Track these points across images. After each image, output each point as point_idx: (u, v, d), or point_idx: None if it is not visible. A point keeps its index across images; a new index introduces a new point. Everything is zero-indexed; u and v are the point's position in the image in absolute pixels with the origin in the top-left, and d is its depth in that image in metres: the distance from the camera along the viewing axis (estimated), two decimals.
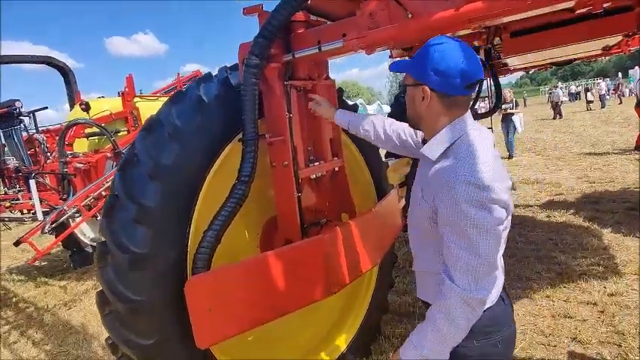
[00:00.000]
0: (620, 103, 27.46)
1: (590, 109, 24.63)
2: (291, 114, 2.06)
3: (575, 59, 4.35)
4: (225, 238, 1.87)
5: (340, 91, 2.59)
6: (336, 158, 2.40)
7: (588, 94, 26.78)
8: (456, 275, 1.17)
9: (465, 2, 1.49)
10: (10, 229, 6.44)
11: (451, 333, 1.21)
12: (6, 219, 5.38)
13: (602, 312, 3.16)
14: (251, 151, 1.92)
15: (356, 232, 2.26)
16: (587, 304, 3.32)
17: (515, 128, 11.39)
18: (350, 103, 2.84)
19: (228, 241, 2.12)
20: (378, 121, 1.93)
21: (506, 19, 1.74)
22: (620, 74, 39.85)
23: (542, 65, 4.81)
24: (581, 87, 39.87)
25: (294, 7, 1.74)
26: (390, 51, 3.41)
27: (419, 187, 1.39)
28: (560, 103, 22.55)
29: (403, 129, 1.85)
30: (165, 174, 1.73)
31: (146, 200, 1.68)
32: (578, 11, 1.72)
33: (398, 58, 3.48)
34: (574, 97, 37.55)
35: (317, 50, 1.84)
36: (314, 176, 2.28)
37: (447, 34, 1.71)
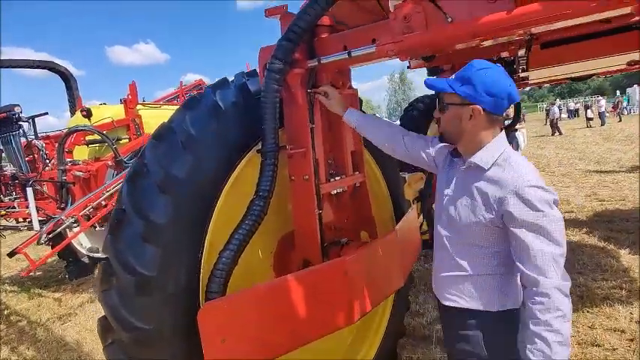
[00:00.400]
0: (620, 120, 27.54)
1: (591, 127, 24.67)
2: (313, 124, 1.90)
3: (594, 74, 4.25)
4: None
5: (361, 101, 2.44)
6: (357, 172, 2.24)
7: (588, 111, 26.85)
8: (547, 270, 1.29)
9: (518, 4, 1.35)
10: (4, 237, 6.22)
11: (565, 326, 1.28)
12: (1, 227, 5.17)
13: (632, 340, 2.98)
14: (271, 163, 1.76)
15: (379, 253, 2.10)
16: (615, 331, 3.13)
17: (517, 144, 11.29)
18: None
19: (242, 259, 1.96)
20: (388, 127, 1.93)
21: (553, 26, 1.60)
22: (618, 92, 40.20)
23: (559, 80, 4.70)
24: (579, 104, 40.15)
25: (324, 8, 1.60)
26: (409, 61, 3.28)
27: (464, 196, 1.49)
28: (556, 121, 22.60)
29: (414, 138, 1.85)
30: (177, 187, 1.57)
31: (156, 215, 1.51)
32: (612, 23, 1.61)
33: (416, 68, 3.35)
34: (572, 114, 37.74)
35: (346, 56, 1.69)
36: (335, 192, 2.12)
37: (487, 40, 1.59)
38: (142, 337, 1.48)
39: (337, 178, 2.11)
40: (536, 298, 1.30)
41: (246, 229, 1.63)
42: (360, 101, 2.51)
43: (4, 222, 5.50)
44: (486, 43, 1.67)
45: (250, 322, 1.60)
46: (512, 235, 1.35)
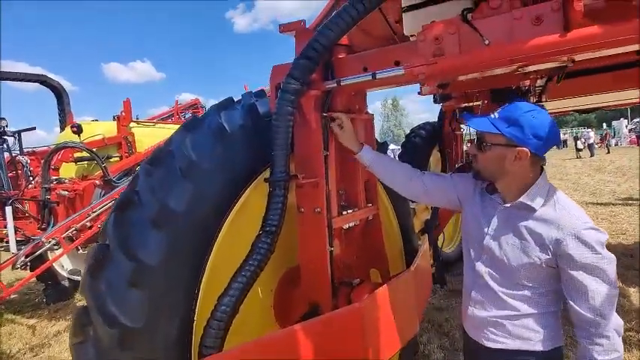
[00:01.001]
0: (608, 152, 28.01)
1: (580, 157, 25.03)
2: (327, 152, 1.71)
3: (604, 107, 4.19)
4: None
5: (386, 145, 2.29)
6: (370, 205, 2.04)
7: (578, 142, 27.32)
8: (606, 312, 1.32)
9: (573, 27, 1.20)
10: None
11: None
12: None
13: None
14: (280, 194, 1.56)
15: (395, 296, 1.87)
16: None
17: None
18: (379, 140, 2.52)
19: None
20: (404, 168, 1.85)
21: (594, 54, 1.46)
22: (604, 125, 41.16)
23: (566, 111, 4.64)
24: (567, 135, 40.96)
25: (349, 24, 1.44)
26: (420, 86, 3.16)
27: (511, 235, 1.46)
28: None
29: (433, 178, 1.79)
30: (173, 221, 1.35)
31: (146, 255, 1.29)
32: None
33: (427, 95, 3.23)
34: (561, 144, 38.49)
35: (370, 78, 1.52)
36: (347, 226, 1.91)
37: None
38: None
39: (349, 211, 1.91)
40: (594, 339, 1.33)
41: (250, 270, 1.41)
42: (387, 144, 2.37)
43: None
44: (522, 70, 1.52)
45: None
46: (567, 276, 1.36)
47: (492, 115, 1.45)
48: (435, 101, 3.99)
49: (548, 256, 1.37)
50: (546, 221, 1.38)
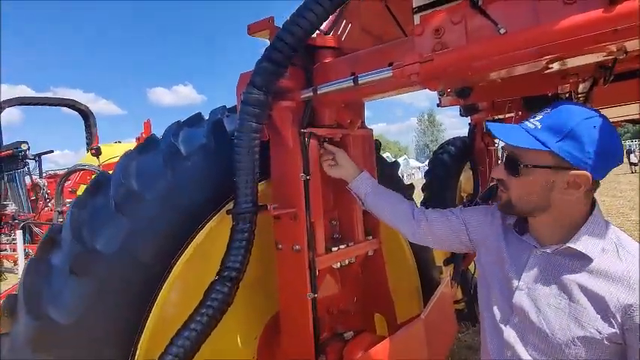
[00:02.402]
0: None
1: (635, 172, 23.07)
2: (308, 175, 1.40)
3: None
4: (207, 341, 1.18)
5: (378, 144, 1.93)
6: (370, 238, 1.69)
7: (631, 155, 25.30)
8: None
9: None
10: (5, 278, 5.93)
11: None
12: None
13: None
14: (244, 229, 1.26)
15: (399, 352, 1.50)
16: None
17: None
18: (389, 160, 2.17)
19: (210, 347, 1.43)
20: (404, 207, 1.44)
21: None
22: None
23: (615, 123, 4.06)
24: None
25: (320, 17, 1.14)
26: (439, 98, 2.79)
27: (555, 295, 1.03)
28: None
29: (439, 216, 1.37)
30: (99, 267, 1.07)
31: (58, 313, 1.01)
32: None
33: (447, 105, 2.85)
34: None
35: (351, 83, 1.21)
36: (338, 265, 1.57)
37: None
38: None
39: (342, 246, 1.57)
40: None
41: (196, 329, 1.10)
42: (379, 143, 2.01)
43: (6, 264, 5.22)
44: (555, 67, 1.15)
45: None
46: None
47: (531, 124, 1.03)
48: (461, 114, 3.59)
49: (613, 329, 0.94)
50: (609, 277, 0.97)
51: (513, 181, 1.07)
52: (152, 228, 1.18)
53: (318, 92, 1.29)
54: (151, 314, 1.16)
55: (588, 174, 0.96)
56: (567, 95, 2.54)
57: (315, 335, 1.43)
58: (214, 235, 1.35)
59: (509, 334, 1.09)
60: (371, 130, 1.72)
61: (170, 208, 1.23)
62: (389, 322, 1.86)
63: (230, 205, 1.34)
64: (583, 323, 0.97)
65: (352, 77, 1.20)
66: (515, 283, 1.09)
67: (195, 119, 1.51)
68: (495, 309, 1.15)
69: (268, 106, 1.26)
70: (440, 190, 4.52)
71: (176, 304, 1.23)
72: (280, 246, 1.45)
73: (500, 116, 3.21)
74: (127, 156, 1.31)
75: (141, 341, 1.14)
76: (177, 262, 1.23)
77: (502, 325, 1.12)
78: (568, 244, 1.01)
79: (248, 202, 1.27)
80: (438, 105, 2.73)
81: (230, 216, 1.31)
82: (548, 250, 1.05)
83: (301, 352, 1.43)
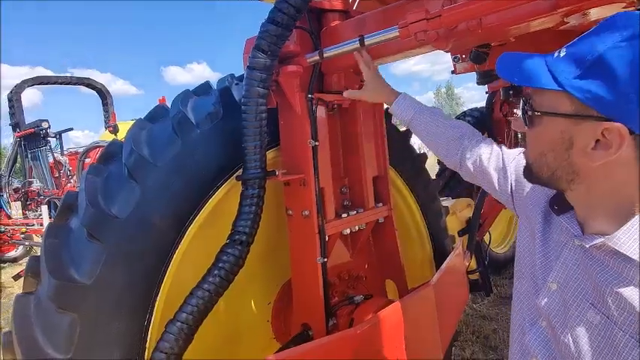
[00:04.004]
0: None
1: None
2: (317, 142, 1.40)
3: None
4: (222, 306, 1.24)
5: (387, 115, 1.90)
6: (381, 205, 1.69)
7: None
8: None
9: None
10: (35, 252, 6.22)
11: None
12: (26, 243, 5.11)
13: None
14: (253, 195, 1.27)
15: (409, 317, 1.52)
16: None
17: None
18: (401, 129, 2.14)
19: (224, 313, 1.49)
20: (454, 129, 1.21)
21: None
22: None
23: None
24: None
25: None
26: (454, 64, 2.71)
27: (591, 305, 0.75)
28: None
29: (475, 149, 1.16)
30: (114, 231, 1.12)
31: (79, 273, 1.07)
32: None
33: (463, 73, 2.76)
34: None
35: (357, 44, 1.18)
36: (348, 231, 1.59)
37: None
38: None
39: (353, 212, 1.58)
40: None
41: (208, 290, 1.14)
42: (388, 114, 1.98)
43: (35, 239, 5.47)
44: (572, 21, 1.10)
45: None
46: None
47: (557, 52, 0.74)
48: (478, 82, 3.48)
49: None
50: None
51: (528, 135, 0.80)
52: (163, 194, 1.21)
53: (325, 55, 1.27)
54: (165, 276, 1.20)
55: (623, 127, 0.64)
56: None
57: (325, 299, 1.46)
58: (225, 200, 1.38)
59: (532, 340, 0.86)
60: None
61: (181, 174, 1.26)
62: (400, 289, 1.88)
63: (240, 172, 1.36)
64: (621, 352, 0.69)
65: (358, 38, 1.18)
66: (543, 279, 0.84)
67: (204, 88, 1.52)
68: (524, 303, 0.91)
69: (274, 70, 1.25)
70: None
71: (190, 266, 1.27)
72: (290, 212, 1.47)
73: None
74: (138, 125, 1.34)
75: (157, 301, 1.19)
76: (190, 227, 1.26)
77: (528, 325, 0.89)
78: (605, 240, 0.71)
79: (256, 168, 1.29)
80: (453, 72, 2.65)
81: (240, 182, 1.33)
82: (586, 244, 0.74)
83: (312, 315, 1.47)
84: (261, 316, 1.77)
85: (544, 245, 0.86)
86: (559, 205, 0.83)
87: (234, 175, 1.39)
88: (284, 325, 1.77)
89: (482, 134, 3.97)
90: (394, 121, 1.97)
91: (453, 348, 3.13)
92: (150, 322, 1.16)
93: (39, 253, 1.20)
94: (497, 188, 1.07)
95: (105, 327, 1.08)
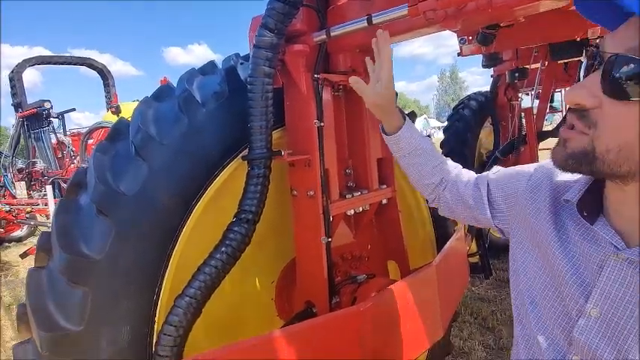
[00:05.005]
0: None
1: None
2: (322, 122, 1.40)
3: None
4: (226, 286, 1.27)
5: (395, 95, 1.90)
6: (384, 186, 1.71)
7: None
8: None
9: None
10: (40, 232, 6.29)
11: None
12: (32, 223, 5.16)
13: None
14: (259, 174, 1.29)
15: (411, 296, 1.56)
16: None
17: None
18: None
19: (229, 291, 1.52)
20: (438, 175, 1.13)
21: None
22: None
23: None
24: None
25: None
26: (460, 47, 2.68)
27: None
28: None
29: (453, 179, 1.10)
30: (122, 207, 1.13)
31: (89, 247, 1.09)
32: None
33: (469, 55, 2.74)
34: None
35: (365, 24, 1.18)
36: (352, 212, 1.60)
37: None
38: None
39: (357, 193, 1.60)
40: None
41: (216, 266, 1.17)
42: (395, 94, 1.98)
43: (39, 218, 5.52)
44: None
45: None
46: None
47: None
48: (484, 65, 3.45)
49: None
50: None
51: (611, 112, 0.57)
52: (170, 172, 1.22)
53: (332, 34, 1.26)
54: (173, 253, 1.23)
55: None
56: (598, 41, 2.40)
57: (329, 278, 1.49)
58: (231, 180, 1.39)
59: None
60: None
61: (187, 153, 1.27)
62: (402, 270, 1.91)
63: (245, 152, 1.37)
64: None
65: (366, 17, 1.17)
66: (577, 303, 0.68)
67: (209, 67, 1.51)
68: (541, 336, 0.73)
69: (281, 49, 1.25)
70: (458, 146, 4.46)
71: (196, 244, 1.29)
72: (295, 192, 1.49)
73: (525, 66, 3.08)
74: (144, 103, 1.34)
75: (166, 277, 1.21)
76: (197, 205, 1.28)
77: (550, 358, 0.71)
78: None
79: (262, 148, 1.29)
80: (459, 54, 2.62)
81: (245, 162, 1.34)
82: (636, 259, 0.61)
83: (316, 293, 1.50)
84: (266, 295, 1.80)
85: (569, 260, 0.70)
86: (589, 211, 0.68)
87: (240, 155, 1.40)
88: (287, 303, 1.81)
89: (487, 119, 3.94)
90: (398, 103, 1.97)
91: (452, 329, 3.19)
92: (159, 297, 1.19)
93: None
94: (479, 222, 1.01)
95: (115, 301, 1.11)
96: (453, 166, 1.14)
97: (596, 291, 0.65)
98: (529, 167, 0.89)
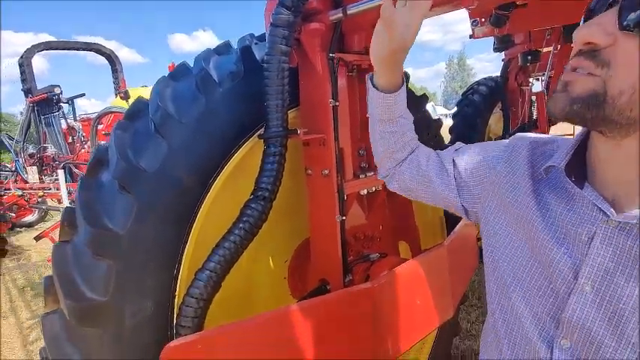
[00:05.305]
0: None
1: None
2: (337, 102, 1.41)
3: None
4: (241, 265, 1.30)
5: (407, 75, 1.90)
6: None
7: None
8: None
9: None
10: (52, 217, 6.40)
11: None
12: (43, 207, 5.24)
13: None
14: (275, 153, 1.31)
15: (422, 275, 1.58)
16: None
17: None
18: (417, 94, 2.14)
19: (243, 270, 1.56)
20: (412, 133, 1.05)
21: None
22: None
23: None
24: None
25: None
26: (473, 29, 2.65)
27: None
28: None
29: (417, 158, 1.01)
30: (143, 184, 1.16)
31: (112, 222, 1.12)
32: None
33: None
34: None
35: (381, 1, 1.17)
36: (365, 191, 1.62)
37: None
38: None
39: (369, 174, 1.61)
40: None
41: (234, 242, 1.20)
42: (407, 76, 1.98)
43: (50, 203, 5.61)
44: None
45: None
46: None
47: None
48: (495, 49, 3.41)
49: None
50: None
51: (627, 49, 0.53)
52: (189, 150, 1.25)
53: (348, 12, 1.26)
54: (192, 228, 1.26)
55: None
56: None
57: (343, 256, 1.52)
58: (247, 158, 1.41)
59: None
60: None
61: (205, 131, 1.29)
62: (413, 250, 1.94)
63: (261, 131, 1.38)
64: None
65: None
66: (565, 280, 0.63)
67: (224, 47, 1.52)
68: (525, 316, 0.67)
69: (297, 27, 1.25)
70: (467, 131, 4.44)
71: (214, 221, 1.32)
72: (309, 171, 1.51)
73: (538, 49, 3.04)
74: (161, 83, 1.36)
75: (185, 252, 1.25)
76: (215, 182, 1.31)
77: (541, 344, 0.65)
78: None
79: (278, 127, 1.31)
80: (471, 36, 2.60)
81: (262, 140, 1.36)
82: (634, 220, 0.56)
83: (330, 271, 1.53)
84: (279, 273, 1.84)
85: (554, 234, 0.65)
86: (576, 175, 0.64)
87: (255, 134, 1.41)
88: (300, 282, 1.85)
89: (496, 104, 3.90)
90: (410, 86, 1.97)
91: (460, 312, 3.22)
92: (179, 271, 1.22)
93: (68, 207, 1.26)
94: (449, 204, 0.92)
95: (138, 274, 1.14)
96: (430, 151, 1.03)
97: (587, 263, 0.60)
98: (501, 141, 0.85)
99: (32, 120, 5.32)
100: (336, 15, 1.29)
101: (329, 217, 1.47)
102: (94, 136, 4.39)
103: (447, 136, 3.94)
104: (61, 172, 4.05)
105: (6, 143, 5.59)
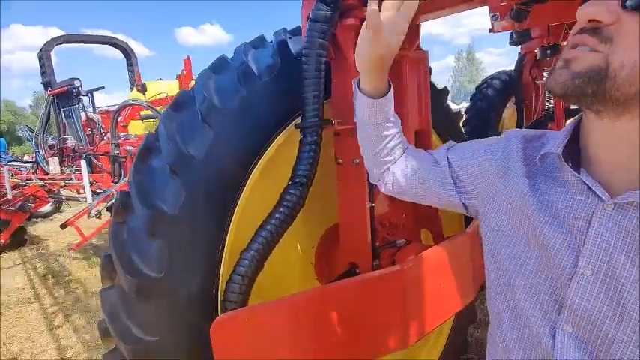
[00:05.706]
0: None
1: None
2: None
3: None
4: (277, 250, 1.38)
5: (445, 92, 2.01)
6: None
7: None
8: None
9: None
10: (70, 206, 6.55)
11: None
12: (63, 197, 5.38)
13: None
14: (311, 142, 1.38)
15: (445, 260, 1.66)
16: None
17: None
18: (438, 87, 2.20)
19: (275, 254, 1.64)
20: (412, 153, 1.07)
21: None
22: None
23: None
24: None
25: None
26: (492, 23, 2.70)
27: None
28: None
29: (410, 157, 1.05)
30: (192, 169, 1.25)
31: (164, 203, 1.21)
32: None
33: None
34: None
35: None
36: None
37: None
38: (143, 350, 1.20)
39: None
40: None
41: (275, 224, 1.28)
42: (446, 91, 2.10)
43: (69, 193, 5.76)
44: None
45: (276, 342, 1.27)
46: None
47: None
48: (512, 42, 3.44)
49: None
50: None
51: (630, 26, 0.55)
52: (232, 138, 1.33)
53: None
54: (235, 211, 1.34)
55: None
56: None
57: (372, 242, 1.60)
58: (283, 148, 1.49)
59: (559, 344, 0.64)
60: (426, 52, 1.75)
61: (246, 121, 1.37)
62: (435, 238, 2.01)
63: (297, 120, 1.46)
64: None
65: None
66: (566, 267, 0.64)
67: (259, 41, 1.60)
68: (524, 299, 0.69)
69: (335, 23, 1.32)
70: (481, 125, 4.48)
71: (254, 206, 1.40)
72: (340, 161, 1.58)
73: (556, 43, 3.07)
74: (204, 76, 1.43)
75: (228, 234, 1.33)
76: (255, 170, 1.39)
77: (544, 330, 0.66)
78: None
79: (314, 117, 1.38)
80: (490, 31, 2.64)
81: (298, 130, 1.43)
82: (635, 198, 0.57)
83: (359, 254, 1.61)
84: (306, 259, 1.93)
85: (553, 222, 0.66)
86: (572, 160, 0.65)
87: (291, 124, 1.49)
88: (327, 267, 1.93)
89: (510, 98, 3.97)
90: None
91: (476, 300, 3.29)
92: (223, 251, 1.31)
93: (123, 191, 1.35)
94: (445, 201, 0.94)
95: (188, 253, 1.23)
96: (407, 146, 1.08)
97: (586, 247, 0.62)
98: (494, 137, 0.87)
99: (52, 112, 5.46)
100: None
101: (359, 204, 1.55)
102: (114, 128, 4.50)
103: None
104: (83, 163, 4.17)
105: (27, 135, 5.74)
